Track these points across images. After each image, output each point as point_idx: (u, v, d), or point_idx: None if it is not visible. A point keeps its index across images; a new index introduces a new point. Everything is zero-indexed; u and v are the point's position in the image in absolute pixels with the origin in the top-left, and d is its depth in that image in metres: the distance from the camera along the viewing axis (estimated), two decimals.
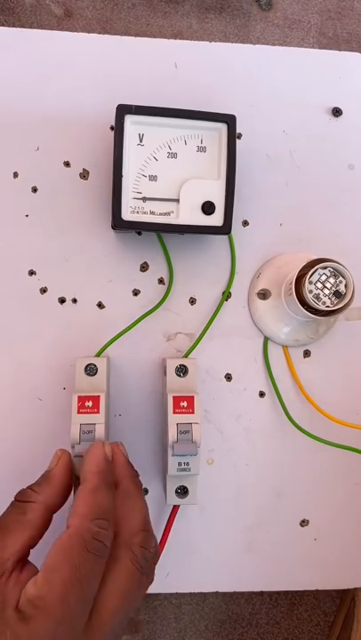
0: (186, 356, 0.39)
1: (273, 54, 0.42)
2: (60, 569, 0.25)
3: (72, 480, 0.32)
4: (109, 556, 0.27)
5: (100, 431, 0.34)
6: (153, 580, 0.29)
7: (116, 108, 0.34)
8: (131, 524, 0.29)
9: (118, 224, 0.35)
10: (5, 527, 0.28)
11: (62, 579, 0.24)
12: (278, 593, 0.47)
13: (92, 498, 0.28)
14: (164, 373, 0.38)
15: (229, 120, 0.35)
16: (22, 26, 0.45)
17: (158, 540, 0.34)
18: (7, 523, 0.28)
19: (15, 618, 0.24)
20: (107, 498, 0.29)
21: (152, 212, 0.36)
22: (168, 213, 0.36)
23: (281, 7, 0.48)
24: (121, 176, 0.34)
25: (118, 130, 0.34)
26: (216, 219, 0.36)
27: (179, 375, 0.37)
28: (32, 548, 0.28)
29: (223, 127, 0.35)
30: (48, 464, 0.32)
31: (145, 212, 0.36)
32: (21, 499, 0.30)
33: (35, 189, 0.39)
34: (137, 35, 0.46)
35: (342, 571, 0.42)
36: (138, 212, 0.35)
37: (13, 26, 0.45)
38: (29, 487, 0.30)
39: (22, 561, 0.28)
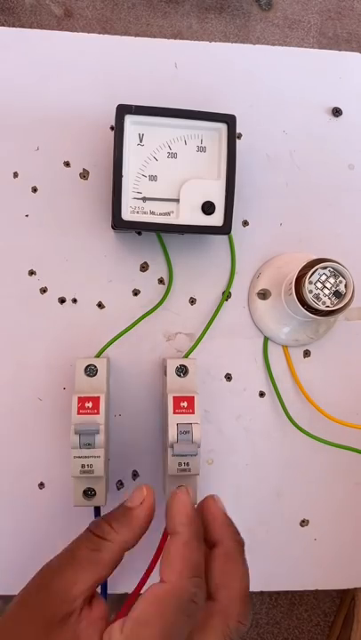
0: (186, 356, 0.39)
1: (273, 54, 0.42)
2: (152, 624, 0.24)
3: (150, 522, 0.30)
4: (202, 620, 0.26)
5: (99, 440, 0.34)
6: None
7: (116, 108, 0.34)
8: (231, 593, 0.27)
9: (118, 224, 0.35)
10: (78, 562, 0.27)
11: (152, 635, 0.23)
12: (278, 593, 0.47)
13: (187, 553, 0.26)
14: (165, 373, 0.38)
15: (229, 120, 0.35)
16: (22, 26, 0.45)
17: (158, 541, 0.34)
18: (80, 557, 0.27)
19: None
20: (200, 553, 0.27)
21: (152, 212, 0.36)
22: (168, 213, 0.36)
23: (281, 7, 0.48)
24: (121, 176, 0.34)
25: (118, 130, 0.34)
26: (216, 219, 0.36)
27: (179, 375, 0.37)
28: (100, 584, 0.28)
29: (223, 127, 0.35)
30: (130, 495, 0.30)
31: (145, 212, 0.36)
32: (98, 533, 0.28)
33: (35, 189, 0.39)
34: (137, 35, 0.45)
35: (342, 571, 0.42)
36: (138, 212, 0.35)
37: (13, 26, 0.45)
38: (108, 521, 0.29)
39: (91, 596, 0.27)
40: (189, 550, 0.26)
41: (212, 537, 0.29)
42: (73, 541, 0.29)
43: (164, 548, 0.27)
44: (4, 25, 0.45)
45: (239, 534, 0.30)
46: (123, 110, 0.34)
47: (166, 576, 0.25)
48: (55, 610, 0.25)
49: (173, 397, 0.35)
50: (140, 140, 0.35)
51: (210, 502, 0.30)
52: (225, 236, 0.40)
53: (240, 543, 0.29)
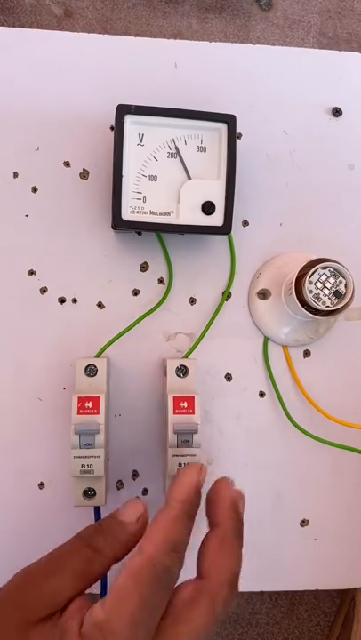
0: (186, 356, 0.39)
1: (273, 54, 0.42)
2: (129, 597, 0.24)
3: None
4: (190, 597, 0.26)
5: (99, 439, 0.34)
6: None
7: (116, 108, 0.34)
8: (221, 575, 0.27)
9: (118, 224, 0.35)
10: (69, 573, 0.27)
11: (131, 607, 0.24)
12: (278, 593, 0.47)
13: (172, 528, 0.27)
14: (165, 374, 0.38)
15: (229, 120, 0.35)
16: (22, 26, 0.45)
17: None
18: (71, 568, 0.27)
19: None
20: (185, 530, 0.27)
21: (152, 212, 0.36)
22: (168, 213, 0.36)
23: (281, 7, 0.48)
24: (121, 176, 0.35)
25: (118, 130, 0.34)
26: (216, 219, 0.36)
27: (179, 375, 0.37)
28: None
29: (223, 127, 0.35)
30: (125, 507, 0.30)
31: (145, 212, 0.36)
32: (93, 546, 0.28)
33: (35, 189, 0.39)
34: (137, 35, 0.45)
35: (342, 571, 0.42)
36: (138, 212, 0.35)
37: (13, 26, 0.45)
38: (103, 534, 0.29)
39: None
40: (174, 527, 0.27)
41: (215, 518, 0.29)
42: (64, 548, 0.28)
43: (153, 517, 0.27)
44: (3, 25, 0.45)
45: (241, 522, 0.30)
46: (123, 110, 0.34)
47: (145, 546, 0.26)
48: (38, 611, 0.26)
49: (173, 398, 0.35)
50: (140, 140, 0.35)
51: (222, 485, 0.30)
52: (225, 236, 0.40)
53: (240, 532, 0.29)
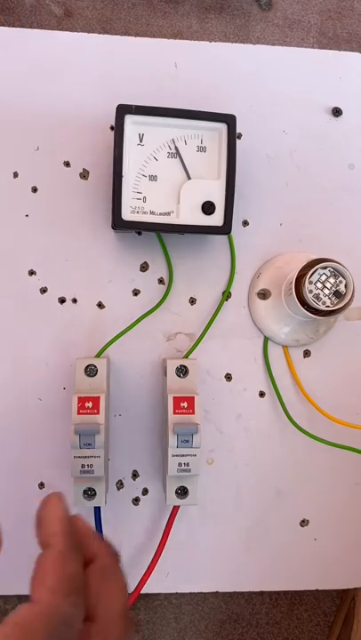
0: (186, 356, 0.39)
1: (273, 54, 0.42)
2: None
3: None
4: None
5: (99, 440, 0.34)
6: None
7: (116, 108, 0.34)
8: (110, 611, 0.24)
9: (118, 224, 0.35)
10: None
11: None
12: (278, 593, 0.47)
13: (62, 566, 0.22)
14: (165, 374, 0.38)
15: (229, 120, 0.35)
16: (22, 26, 0.45)
17: (158, 541, 0.34)
18: None
19: None
20: (77, 565, 0.23)
21: (152, 212, 0.36)
22: (168, 213, 0.36)
23: (281, 7, 0.48)
24: (121, 176, 0.34)
25: (118, 130, 0.34)
26: (216, 219, 0.36)
27: (179, 376, 0.37)
28: None
29: (223, 127, 0.35)
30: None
31: (145, 212, 0.36)
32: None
33: (35, 189, 0.39)
34: (137, 35, 0.45)
35: (342, 571, 0.42)
36: (138, 212, 0.35)
37: (13, 26, 0.45)
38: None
39: None
40: (64, 563, 0.23)
41: (86, 553, 0.25)
42: None
43: (35, 563, 0.23)
44: (4, 25, 0.45)
45: (113, 546, 0.26)
46: (123, 110, 0.34)
47: (37, 595, 0.21)
48: None
49: (174, 398, 0.35)
50: (140, 140, 0.35)
51: (77, 519, 0.26)
52: (225, 236, 0.40)
53: (116, 556, 0.26)
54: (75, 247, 0.40)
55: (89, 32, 0.45)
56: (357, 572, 0.42)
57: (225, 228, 0.36)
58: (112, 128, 0.39)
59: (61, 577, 0.22)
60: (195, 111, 0.35)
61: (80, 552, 0.24)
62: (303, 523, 0.41)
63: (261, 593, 0.46)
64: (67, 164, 0.40)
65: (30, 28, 0.45)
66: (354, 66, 0.43)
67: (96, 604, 0.23)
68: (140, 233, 0.40)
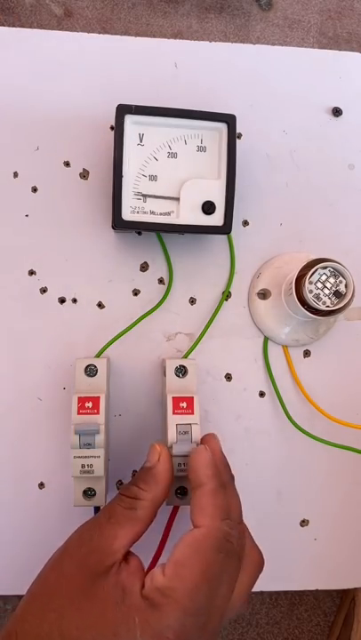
0: (186, 356, 0.39)
1: (273, 54, 0.42)
2: (190, 565, 0.26)
3: (173, 475, 0.32)
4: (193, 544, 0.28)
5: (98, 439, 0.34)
6: None
7: (116, 108, 0.34)
8: (215, 518, 0.29)
9: (118, 224, 0.35)
10: (116, 520, 0.29)
11: (193, 574, 0.26)
12: (278, 593, 0.47)
13: (215, 500, 0.29)
14: (164, 374, 0.38)
15: (229, 120, 0.35)
16: (22, 26, 0.45)
17: (158, 541, 0.34)
18: (118, 516, 0.29)
19: (143, 604, 0.25)
20: (230, 498, 0.30)
21: (152, 212, 0.36)
22: (168, 213, 0.36)
23: (281, 7, 0.48)
24: (121, 176, 0.34)
25: (118, 130, 0.34)
26: (216, 218, 0.36)
27: (178, 376, 0.37)
28: (136, 540, 0.29)
29: (223, 127, 0.35)
30: (147, 458, 0.32)
31: (145, 212, 0.35)
32: (130, 495, 0.30)
33: (35, 189, 0.39)
34: (137, 34, 0.46)
35: (342, 571, 0.41)
36: (138, 212, 0.35)
37: (13, 26, 0.45)
38: (135, 484, 0.31)
39: (128, 553, 0.29)
40: (216, 497, 0.29)
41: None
42: (106, 505, 0.30)
43: (192, 500, 0.29)
44: (3, 25, 0.45)
45: (222, 472, 0.31)
46: (123, 110, 0.34)
47: (200, 521, 0.28)
48: (98, 562, 0.27)
49: (173, 398, 0.35)
50: (140, 140, 0.35)
51: (214, 444, 0.33)
52: (225, 236, 0.40)
53: (232, 478, 0.32)
54: (75, 247, 0.40)
55: (89, 32, 0.45)
56: (358, 572, 0.42)
57: (225, 228, 0.36)
58: (112, 128, 0.39)
59: (215, 506, 0.28)
60: (195, 111, 0.35)
61: (231, 487, 0.31)
62: (303, 523, 0.41)
63: (261, 593, 0.46)
64: (67, 163, 0.40)
65: (30, 27, 0.45)
66: (354, 66, 0.43)
67: (200, 512, 0.29)
68: (139, 233, 0.40)
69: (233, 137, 0.35)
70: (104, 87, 0.40)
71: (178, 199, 0.36)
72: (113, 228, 0.38)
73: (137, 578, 0.27)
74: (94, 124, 0.40)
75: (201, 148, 0.36)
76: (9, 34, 0.40)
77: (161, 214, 0.36)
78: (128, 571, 0.27)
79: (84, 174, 0.40)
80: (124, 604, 0.25)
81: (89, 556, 0.28)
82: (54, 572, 0.28)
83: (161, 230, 0.37)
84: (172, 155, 0.35)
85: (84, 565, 0.27)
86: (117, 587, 0.26)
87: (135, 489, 0.30)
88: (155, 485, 0.30)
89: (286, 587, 0.41)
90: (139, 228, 0.37)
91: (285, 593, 0.47)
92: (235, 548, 0.28)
